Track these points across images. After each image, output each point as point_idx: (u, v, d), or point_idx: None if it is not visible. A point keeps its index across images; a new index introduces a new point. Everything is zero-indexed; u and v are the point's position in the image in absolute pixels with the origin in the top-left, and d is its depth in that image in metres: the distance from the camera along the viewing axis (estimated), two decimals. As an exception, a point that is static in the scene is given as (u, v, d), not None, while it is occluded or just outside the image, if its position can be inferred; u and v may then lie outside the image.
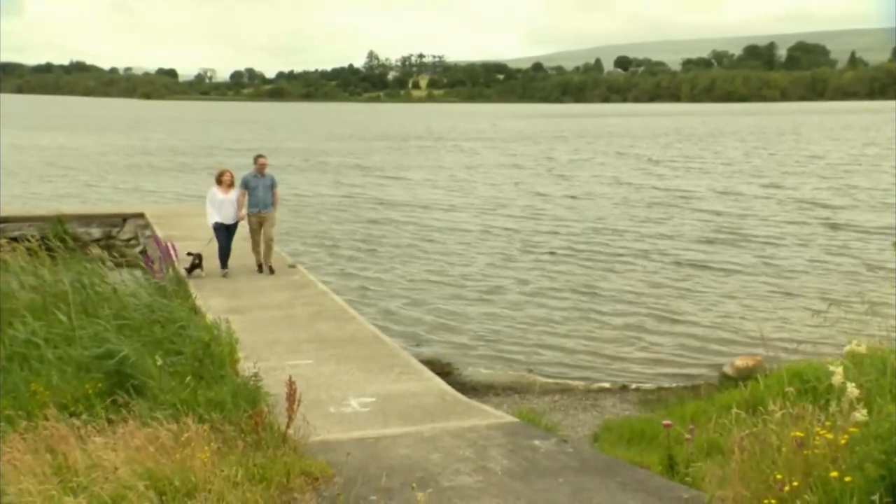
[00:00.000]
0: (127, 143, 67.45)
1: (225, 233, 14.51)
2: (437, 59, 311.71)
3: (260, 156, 14.84)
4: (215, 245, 14.66)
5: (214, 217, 14.36)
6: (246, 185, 14.49)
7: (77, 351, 8.07)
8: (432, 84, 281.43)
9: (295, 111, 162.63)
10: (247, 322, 11.32)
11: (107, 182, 39.75)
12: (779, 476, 5.17)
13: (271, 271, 14.87)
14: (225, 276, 14.54)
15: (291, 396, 6.95)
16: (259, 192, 14.50)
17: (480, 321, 16.10)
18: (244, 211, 14.52)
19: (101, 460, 5.44)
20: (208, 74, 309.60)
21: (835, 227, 26.84)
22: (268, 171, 14.84)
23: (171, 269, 12.94)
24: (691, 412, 9.21)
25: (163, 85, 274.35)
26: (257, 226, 14.65)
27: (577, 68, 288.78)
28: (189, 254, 14.32)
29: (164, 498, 5.02)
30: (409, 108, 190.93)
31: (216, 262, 14.73)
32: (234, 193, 14.42)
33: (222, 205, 14.37)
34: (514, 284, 19.13)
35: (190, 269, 14.21)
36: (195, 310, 11.06)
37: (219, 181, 14.55)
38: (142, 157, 54.45)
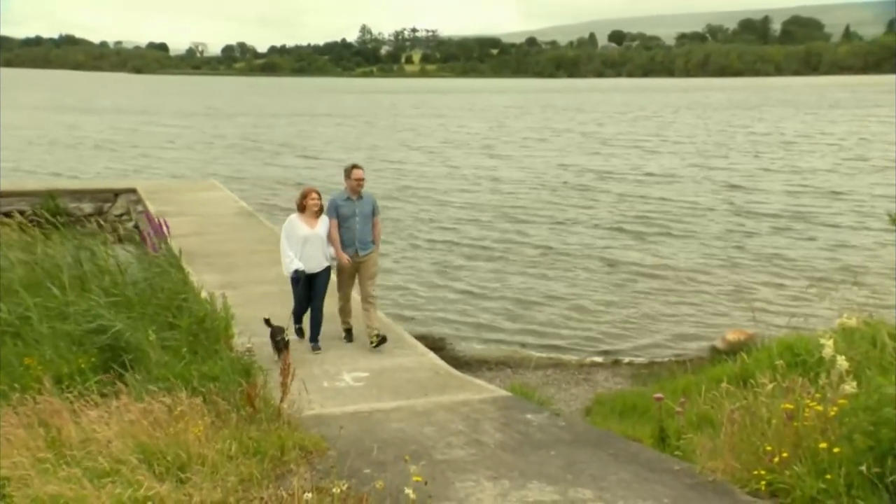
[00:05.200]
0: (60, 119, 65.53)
1: (309, 286, 9.45)
2: (430, 34, 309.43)
3: (355, 166, 9.79)
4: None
5: (294, 262, 9.27)
6: (336, 213, 9.56)
7: (70, 326, 8.07)
8: (425, 59, 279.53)
9: (276, 86, 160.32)
10: (240, 297, 11.29)
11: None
12: (769, 447, 5.23)
13: (381, 340, 9.51)
14: (317, 350, 9.48)
15: (285, 371, 6.98)
16: (356, 223, 9.57)
17: (472, 297, 16.16)
18: (342, 254, 9.51)
19: (94, 434, 5.45)
20: (199, 49, 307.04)
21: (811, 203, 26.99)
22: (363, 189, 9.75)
23: (164, 245, 12.87)
24: (682, 386, 9.28)
25: (154, 59, 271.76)
26: (351, 273, 9.74)
27: (571, 43, 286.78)
28: (268, 324, 9.06)
29: (157, 471, 5.05)
30: (399, 84, 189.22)
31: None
32: (322, 226, 9.47)
33: (306, 243, 9.33)
34: (507, 259, 19.19)
35: (278, 348, 8.72)
36: (188, 285, 11.05)
37: (301, 206, 9.50)
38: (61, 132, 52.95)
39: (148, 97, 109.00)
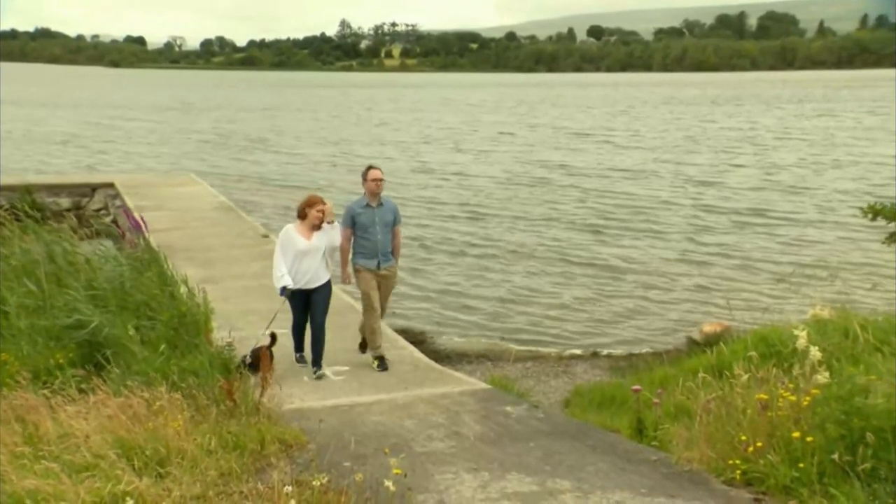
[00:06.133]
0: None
1: (305, 302, 8.54)
2: (409, 28, 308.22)
3: (371, 167, 8.88)
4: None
5: (283, 278, 8.28)
6: (353, 222, 8.71)
7: (48, 321, 7.99)
8: (405, 53, 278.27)
9: (254, 81, 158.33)
10: (220, 292, 11.25)
11: None
12: (743, 437, 5.29)
13: (382, 364, 8.74)
14: (320, 375, 8.46)
15: (265, 365, 6.96)
16: (376, 232, 8.67)
17: (454, 291, 16.18)
18: (349, 268, 8.86)
19: (72, 429, 5.40)
20: (178, 42, 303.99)
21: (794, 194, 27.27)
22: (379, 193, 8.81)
23: (141, 240, 12.74)
24: (660, 377, 9.34)
25: (131, 53, 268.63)
26: (374, 284, 8.78)
27: (550, 38, 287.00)
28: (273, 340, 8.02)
29: (136, 465, 5.02)
30: (378, 78, 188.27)
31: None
32: (319, 238, 8.40)
33: (303, 257, 8.34)
34: (483, 255, 19.23)
35: (252, 365, 7.51)
36: (167, 280, 10.97)
37: (302, 215, 8.46)
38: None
39: (120, 91, 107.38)
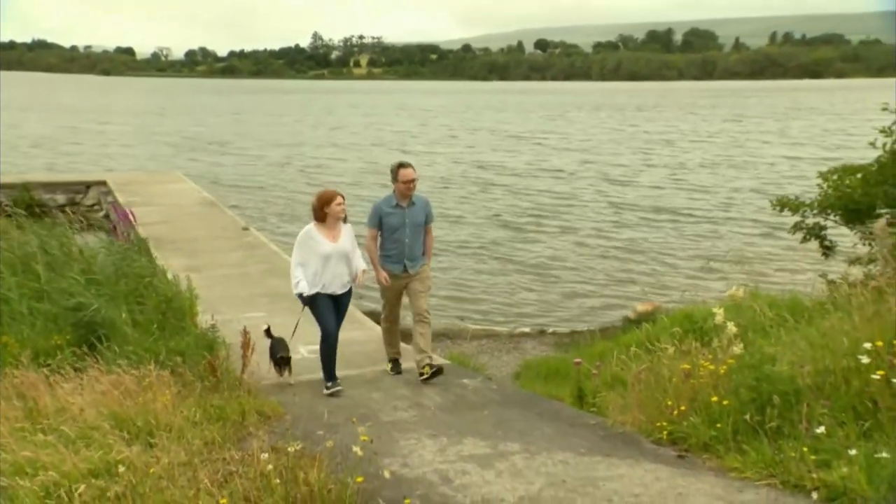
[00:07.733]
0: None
1: (336, 309, 7.03)
2: (375, 40, 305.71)
3: (402, 165, 7.27)
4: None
5: (301, 284, 6.80)
6: (380, 222, 7.26)
7: (47, 305, 7.81)
8: (372, 63, 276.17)
9: (233, 88, 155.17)
10: (204, 279, 11.07)
11: None
12: (669, 402, 5.38)
13: (434, 373, 7.20)
14: (334, 392, 6.88)
15: (246, 344, 6.89)
16: (405, 234, 7.21)
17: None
18: (381, 271, 7.27)
19: (68, 404, 5.30)
20: (164, 53, 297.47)
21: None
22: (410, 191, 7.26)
23: (131, 233, 12.49)
24: (599, 351, 9.43)
25: (121, 62, 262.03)
26: (398, 292, 7.42)
27: (502, 49, 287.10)
28: (268, 334, 7.40)
29: (127, 436, 4.94)
30: (345, 85, 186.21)
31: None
32: (345, 238, 6.95)
33: (328, 261, 6.84)
34: (447, 243, 19.25)
35: (278, 365, 7.18)
36: (155, 268, 10.77)
37: (320, 215, 6.92)
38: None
39: (104, 97, 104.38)
